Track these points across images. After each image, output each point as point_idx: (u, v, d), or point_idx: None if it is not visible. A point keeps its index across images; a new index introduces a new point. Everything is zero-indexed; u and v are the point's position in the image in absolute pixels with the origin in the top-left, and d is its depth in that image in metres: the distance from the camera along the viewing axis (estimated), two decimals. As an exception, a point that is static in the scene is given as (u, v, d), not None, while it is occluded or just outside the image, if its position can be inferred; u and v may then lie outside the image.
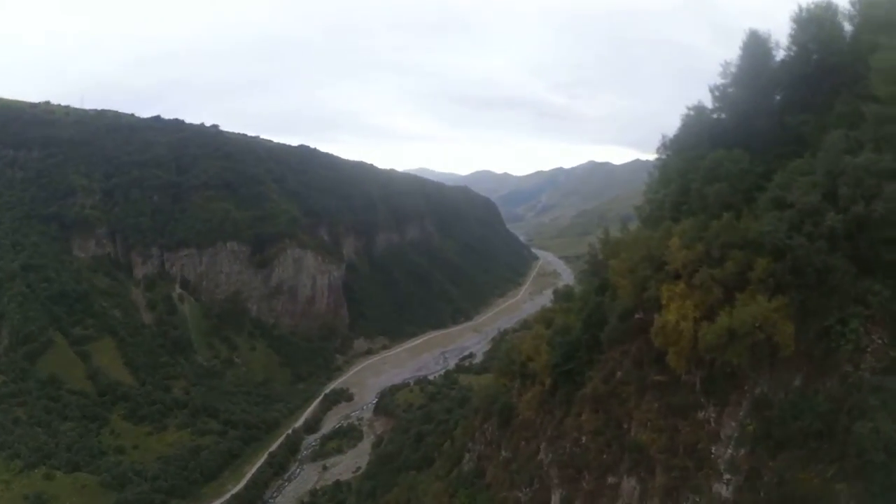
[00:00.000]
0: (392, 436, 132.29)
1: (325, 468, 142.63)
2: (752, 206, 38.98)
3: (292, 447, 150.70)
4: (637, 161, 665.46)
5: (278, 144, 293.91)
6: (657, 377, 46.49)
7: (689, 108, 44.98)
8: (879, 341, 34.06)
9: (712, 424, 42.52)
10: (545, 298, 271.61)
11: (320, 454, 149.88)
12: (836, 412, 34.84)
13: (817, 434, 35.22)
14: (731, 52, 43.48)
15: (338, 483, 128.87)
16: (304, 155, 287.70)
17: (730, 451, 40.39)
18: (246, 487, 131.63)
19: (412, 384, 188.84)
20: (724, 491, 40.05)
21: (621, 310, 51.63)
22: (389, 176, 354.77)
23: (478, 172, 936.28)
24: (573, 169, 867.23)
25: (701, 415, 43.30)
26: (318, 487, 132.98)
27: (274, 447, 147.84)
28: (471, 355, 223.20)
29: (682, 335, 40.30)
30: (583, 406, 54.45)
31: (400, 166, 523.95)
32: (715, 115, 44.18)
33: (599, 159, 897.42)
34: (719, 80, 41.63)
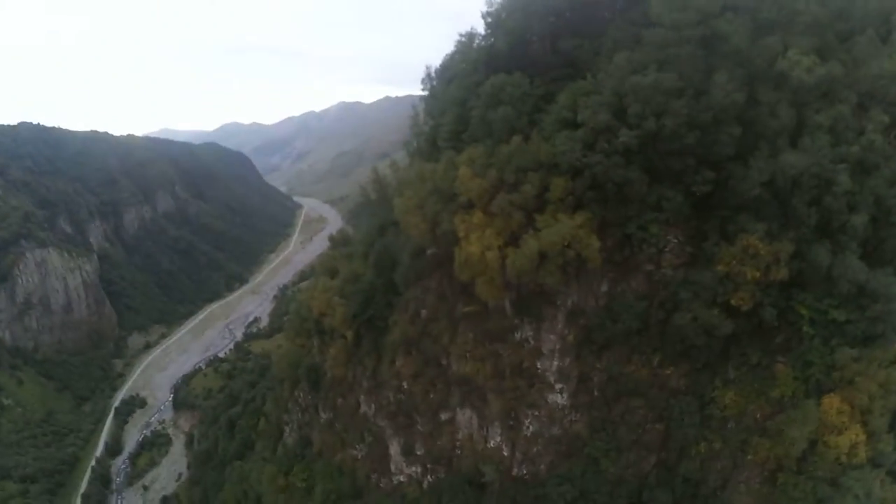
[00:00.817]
0: (202, 430, 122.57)
1: (145, 488, 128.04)
2: (539, 129, 39.75)
3: (104, 479, 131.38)
4: (387, 98, 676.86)
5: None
6: (466, 309, 46.80)
7: (461, 35, 44.48)
8: (675, 240, 38.07)
9: (531, 343, 44.33)
10: (317, 245, 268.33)
11: (135, 475, 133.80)
12: (648, 308, 38.68)
13: (637, 331, 38.67)
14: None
15: (165, 499, 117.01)
16: (26, 135, 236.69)
17: (556, 362, 42.66)
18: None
19: (204, 368, 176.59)
20: (560, 399, 42.66)
21: (413, 248, 51.01)
22: (129, 143, 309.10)
23: (226, 125, 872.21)
24: (324, 111, 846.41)
25: (518, 335, 44.84)
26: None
27: (84, 488, 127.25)
28: (256, 320, 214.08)
29: (490, 265, 40.41)
30: (394, 352, 54.36)
31: (139, 130, 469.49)
32: (486, 43, 44.15)
33: (349, 99, 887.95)
34: (487, 9, 41.67)
